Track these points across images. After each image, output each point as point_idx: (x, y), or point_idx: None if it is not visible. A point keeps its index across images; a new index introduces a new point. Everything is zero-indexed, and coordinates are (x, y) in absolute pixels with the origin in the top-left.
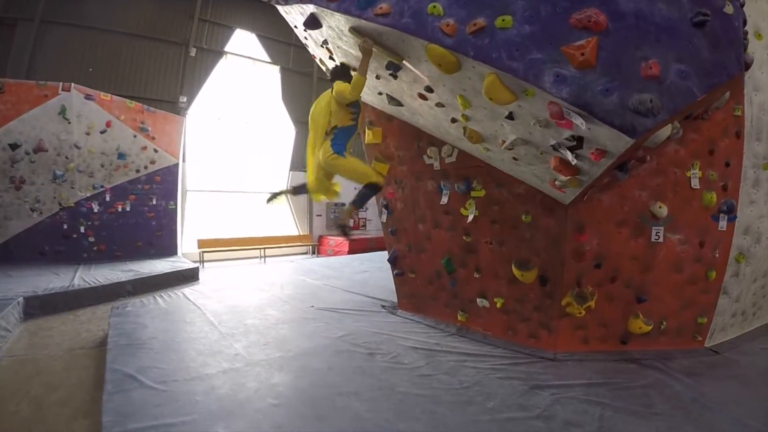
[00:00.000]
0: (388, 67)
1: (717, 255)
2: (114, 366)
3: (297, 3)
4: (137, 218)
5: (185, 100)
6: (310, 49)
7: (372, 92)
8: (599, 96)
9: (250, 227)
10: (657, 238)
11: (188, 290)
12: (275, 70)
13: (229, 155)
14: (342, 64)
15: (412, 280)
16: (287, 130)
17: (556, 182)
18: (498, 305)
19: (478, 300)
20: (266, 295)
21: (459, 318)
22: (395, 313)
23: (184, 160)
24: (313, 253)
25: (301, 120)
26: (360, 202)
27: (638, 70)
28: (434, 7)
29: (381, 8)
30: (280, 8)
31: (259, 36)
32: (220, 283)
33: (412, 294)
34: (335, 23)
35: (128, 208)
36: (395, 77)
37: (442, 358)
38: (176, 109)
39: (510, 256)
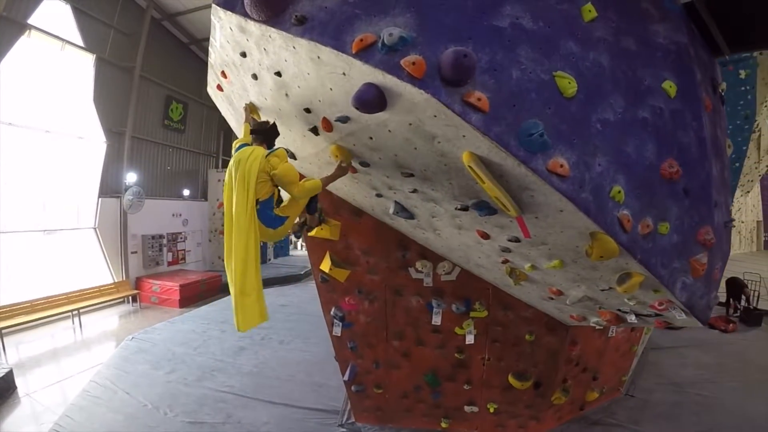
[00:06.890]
0: (479, 207)
1: (638, 333)
2: None
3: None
4: None
5: None
6: (254, 89)
7: (354, 187)
8: (698, 300)
9: (53, 278)
10: (612, 333)
11: None
12: (89, 59)
13: (23, 177)
14: (275, 124)
15: (379, 395)
16: (97, 143)
17: (592, 322)
18: (491, 410)
19: (466, 407)
20: None
21: (442, 425)
22: (359, 430)
23: None
24: (134, 301)
25: (115, 130)
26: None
27: (713, 277)
28: (618, 191)
29: (561, 166)
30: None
31: (75, 9)
32: (72, 421)
33: (378, 407)
34: (434, 123)
35: None
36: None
37: None
38: None
39: (508, 369)
